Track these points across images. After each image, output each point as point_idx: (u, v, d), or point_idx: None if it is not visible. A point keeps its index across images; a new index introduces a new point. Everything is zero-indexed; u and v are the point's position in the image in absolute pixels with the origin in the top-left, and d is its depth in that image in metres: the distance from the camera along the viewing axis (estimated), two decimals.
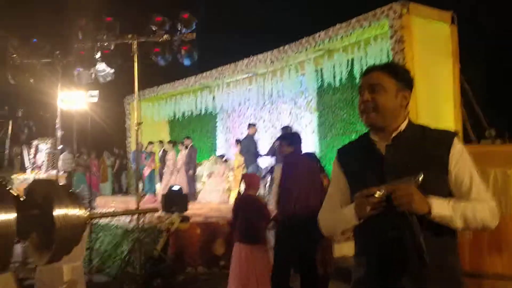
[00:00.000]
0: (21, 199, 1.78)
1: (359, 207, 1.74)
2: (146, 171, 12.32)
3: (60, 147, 7.78)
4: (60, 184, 1.81)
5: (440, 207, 1.69)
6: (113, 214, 1.81)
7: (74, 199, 1.75)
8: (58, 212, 1.66)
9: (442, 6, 8.42)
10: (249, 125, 11.19)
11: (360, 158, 1.92)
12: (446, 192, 1.79)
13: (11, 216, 1.61)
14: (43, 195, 1.76)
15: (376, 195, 1.69)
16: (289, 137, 4.77)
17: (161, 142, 13.59)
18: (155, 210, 2.21)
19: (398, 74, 1.88)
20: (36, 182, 1.87)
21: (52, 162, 11.88)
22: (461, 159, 1.80)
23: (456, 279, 1.79)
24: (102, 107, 12.78)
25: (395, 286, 1.74)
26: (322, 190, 4.60)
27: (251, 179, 5.45)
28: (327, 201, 2.05)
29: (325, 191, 4.95)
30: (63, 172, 11.49)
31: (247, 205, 5.09)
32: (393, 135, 1.85)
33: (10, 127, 5.38)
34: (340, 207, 1.93)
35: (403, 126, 1.86)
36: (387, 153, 1.83)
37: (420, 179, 1.67)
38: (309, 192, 4.45)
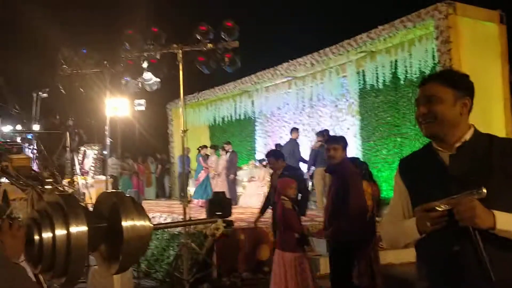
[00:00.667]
0: (90, 210, 1.86)
1: (420, 222, 1.71)
2: (202, 175, 12.33)
3: (106, 152, 8.02)
4: (127, 195, 1.86)
5: (505, 222, 1.62)
6: (176, 225, 1.86)
7: (140, 211, 1.80)
8: (126, 224, 1.72)
9: (490, 6, 8.16)
10: (293, 129, 11.16)
11: (423, 169, 1.86)
12: None
13: (83, 229, 1.68)
14: (110, 206, 1.82)
15: (438, 210, 1.65)
16: (341, 140, 4.57)
17: (205, 146, 13.79)
18: (213, 220, 2.24)
19: (454, 82, 1.82)
20: (104, 194, 1.94)
21: (99, 167, 12.27)
22: None
23: None
24: (145, 114, 13.11)
25: None
26: (360, 197, 4.55)
27: (283, 184, 5.31)
28: (389, 213, 2.01)
29: (369, 199, 4.91)
30: (110, 177, 11.84)
31: (276, 212, 5.10)
32: (457, 145, 1.79)
33: (68, 138, 5.61)
34: (402, 220, 1.89)
35: (468, 135, 1.81)
36: (451, 164, 1.78)
37: (484, 192, 1.62)
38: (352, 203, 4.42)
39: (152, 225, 1.85)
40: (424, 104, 1.83)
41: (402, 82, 9.98)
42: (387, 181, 10.40)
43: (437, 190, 1.73)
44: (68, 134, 5.66)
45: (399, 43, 9.42)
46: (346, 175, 4.43)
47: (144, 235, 1.80)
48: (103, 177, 11.87)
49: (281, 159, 5.91)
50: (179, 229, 6.93)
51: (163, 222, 7.28)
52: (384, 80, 10.10)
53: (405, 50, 9.35)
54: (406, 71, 9.49)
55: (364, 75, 10.74)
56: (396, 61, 9.77)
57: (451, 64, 7.54)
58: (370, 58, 10.29)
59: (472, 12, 7.90)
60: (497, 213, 1.63)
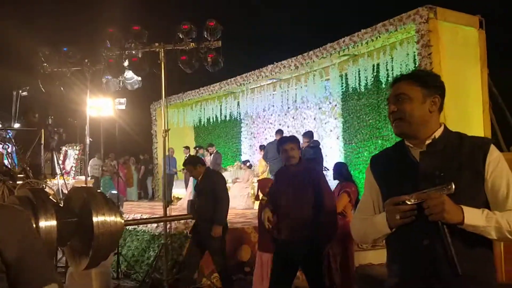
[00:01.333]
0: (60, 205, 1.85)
1: (390, 216, 1.74)
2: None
3: (88, 153, 7.94)
4: (98, 191, 1.85)
5: (473, 217, 1.66)
6: (147, 221, 1.85)
7: (112, 206, 1.79)
8: (96, 219, 1.71)
9: (470, 11, 8.31)
10: (278, 131, 11.19)
11: (394, 166, 1.89)
12: (481, 201, 1.75)
13: (52, 223, 1.66)
14: (81, 202, 1.81)
15: (407, 203, 1.68)
16: (296, 139, 4.40)
17: (186, 147, 13.73)
18: (188, 217, 2.24)
19: (423, 80, 1.86)
20: (74, 189, 1.93)
21: (81, 167, 12.13)
22: (497, 168, 1.75)
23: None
24: (128, 114, 13.03)
25: None
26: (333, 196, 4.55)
27: (262, 184, 5.42)
28: (360, 209, 2.04)
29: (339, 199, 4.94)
30: (91, 177, 11.72)
31: (259, 212, 5.16)
32: (428, 141, 1.82)
33: (42, 135, 5.53)
34: (372, 216, 1.91)
35: (438, 133, 1.84)
36: (421, 160, 1.80)
37: (453, 187, 1.65)
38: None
39: (123, 221, 1.84)
40: (394, 103, 1.87)
41: (383, 85, 10.09)
42: None
43: (407, 185, 1.76)
44: (43, 131, 5.58)
45: (381, 46, 9.53)
46: (320, 174, 4.38)
47: (115, 231, 1.79)
48: (82, 178, 11.74)
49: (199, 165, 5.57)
50: (159, 230, 6.89)
51: None
52: (366, 83, 10.20)
53: (387, 53, 9.46)
54: (388, 75, 9.60)
55: (346, 78, 10.83)
56: (378, 64, 9.88)
57: (432, 68, 7.65)
58: (353, 62, 10.38)
59: (453, 17, 8.03)
60: (465, 209, 1.66)
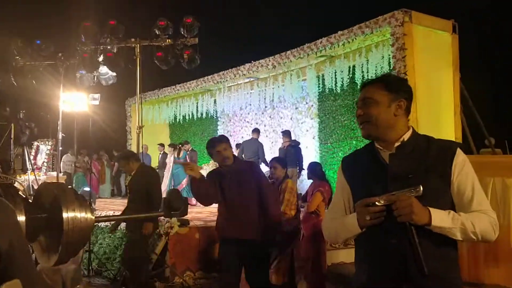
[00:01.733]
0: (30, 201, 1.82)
1: (360, 216, 1.77)
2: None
3: (60, 148, 7.80)
4: (69, 187, 1.82)
5: (439, 219, 1.71)
6: (119, 219, 1.83)
7: (82, 202, 1.77)
8: (66, 215, 1.69)
9: (444, 15, 8.48)
10: (254, 129, 11.20)
11: (365, 167, 1.94)
12: (448, 202, 1.80)
13: (21, 218, 1.64)
14: (51, 198, 1.78)
15: (377, 205, 1.72)
16: (227, 139, 4.26)
17: (161, 145, 13.61)
18: (159, 214, 2.23)
19: (390, 85, 1.90)
20: (44, 185, 1.90)
21: (52, 163, 11.89)
22: (463, 170, 1.81)
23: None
24: (103, 109, 12.83)
25: None
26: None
27: None
28: (330, 210, 2.08)
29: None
30: (63, 173, 11.51)
31: None
32: (397, 144, 1.87)
33: (12, 129, 5.39)
34: (343, 216, 1.95)
35: (406, 135, 1.88)
36: (390, 162, 1.85)
37: (421, 190, 1.70)
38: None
39: (94, 217, 1.82)
40: (361, 107, 1.92)
41: (359, 87, 10.16)
42: None
43: (377, 187, 1.80)
44: (13, 125, 5.45)
45: (357, 48, 9.64)
46: (261, 172, 4.34)
47: (85, 227, 1.77)
48: (54, 174, 11.52)
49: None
50: None
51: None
52: (342, 85, 10.32)
53: (362, 55, 9.58)
54: (363, 76, 9.72)
55: (323, 79, 10.94)
56: (354, 66, 10.00)
57: (406, 71, 7.79)
58: (329, 63, 10.48)
59: (427, 21, 8.18)
60: (433, 210, 1.71)
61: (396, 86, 1.91)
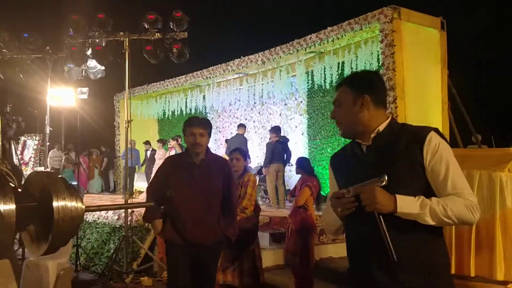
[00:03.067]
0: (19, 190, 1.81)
1: (334, 208, 1.87)
2: None
3: (48, 144, 7.73)
4: (59, 176, 1.82)
5: (406, 205, 1.73)
6: (108, 208, 1.82)
7: (73, 191, 1.76)
8: (57, 204, 1.68)
9: (433, 12, 8.55)
10: (240, 125, 11.21)
11: (347, 161, 2.02)
12: (422, 188, 1.80)
13: (11, 207, 1.63)
14: (40, 187, 1.78)
15: (346, 196, 1.81)
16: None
17: (147, 143, 13.57)
18: (149, 204, 2.23)
19: (352, 83, 1.96)
20: (34, 174, 1.89)
21: (40, 158, 11.79)
22: (437, 154, 1.80)
23: (436, 275, 1.79)
24: (91, 104, 12.71)
25: (374, 281, 1.81)
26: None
27: None
28: (326, 203, 2.16)
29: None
30: (50, 169, 11.41)
31: None
32: (373, 135, 1.91)
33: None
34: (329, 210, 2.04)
35: (382, 126, 1.92)
36: (365, 153, 1.92)
37: (385, 179, 1.74)
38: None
39: (84, 206, 1.82)
40: (333, 110, 2.01)
41: None
42: None
43: (353, 179, 1.86)
44: (0, 119, 5.38)
45: (346, 45, 9.68)
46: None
47: (76, 216, 1.77)
48: (41, 169, 11.42)
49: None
50: (120, 222, 6.80)
51: (103, 215, 7.12)
52: (331, 81, 10.35)
53: (351, 52, 9.62)
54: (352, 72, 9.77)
55: (312, 75, 10.96)
56: (343, 62, 10.04)
57: (395, 67, 7.85)
58: (319, 59, 10.51)
59: (416, 17, 8.24)
60: (399, 198, 1.74)
61: (356, 84, 1.96)
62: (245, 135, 11.08)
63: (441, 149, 1.81)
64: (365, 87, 1.93)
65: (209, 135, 3.58)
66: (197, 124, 3.52)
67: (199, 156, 3.54)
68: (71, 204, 1.73)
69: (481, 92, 14.07)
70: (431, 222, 1.73)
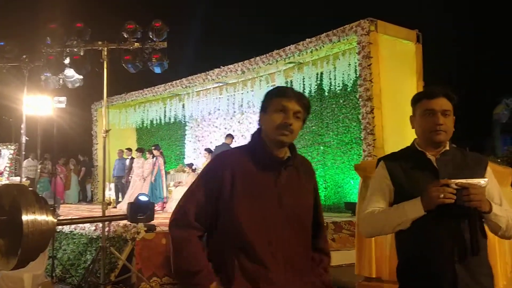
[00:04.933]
0: None
1: (434, 194, 1.88)
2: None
3: (23, 153, 7.60)
4: (29, 189, 1.79)
5: (496, 208, 1.95)
6: (82, 221, 1.80)
7: (43, 205, 1.74)
8: (26, 217, 1.66)
9: (408, 25, 8.73)
10: (228, 135, 11.17)
11: (412, 167, 2.09)
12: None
13: None
14: (11, 200, 1.75)
15: (452, 187, 1.86)
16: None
17: (129, 149, 13.42)
18: (124, 217, 2.22)
19: (450, 97, 2.10)
20: (4, 186, 1.86)
21: (15, 168, 11.56)
22: (491, 178, 2.07)
23: (493, 277, 2.03)
24: (68, 113, 12.56)
25: (455, 279, 1.92)
26: None
27: None
28: (368, 206, 2.14)
29: None
30: (26, 179, 11.18)
31: None
32: (442, 151, 2.08)
33: None
34: (396, 205, 2.05)
35: (447, 145, 2.10)
36: (439, 164, 2.05)
37: (486, 183, 1.91)
38: None
39: (55, 220, 1.80)
40: (441, 116, 2.10)
41: (326, 93, 10.39)
42: None
43: (423, 184, 1.95)
44: None
45: (325, 56, 9.82)
46: (314, 172, 3.17)
47: (46, 230, 1.75)
48: (17, 179, 11.19)
49: None
50: (97, 233, 6.70)
51: (80, 225, 7.01)
52: (310, 91, 10.46)
53: (330, 63, 9.76)
54: (331, 83, 9.90)
55: (292, 85, 11.04)
56: (321, 73, 10.17)
57: (371, 78, 7.98)
58: (298, 69, 10.63)
59: (392, 30, 8.42)
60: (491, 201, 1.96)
61: (454, 99, 2.12)
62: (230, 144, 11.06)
63: (494, 177, 2.11)
64: (455, 104, 2.11)
65: (304, 122, 2.07)
66: (295, 98, 1.99)
67: (283, 151, 2.03)
68: (41, 218, 1.72)
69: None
70: (503, 225, 1.96)
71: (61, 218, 6.96)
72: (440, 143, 2.08)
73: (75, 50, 5.80)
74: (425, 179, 2.00)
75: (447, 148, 2.09)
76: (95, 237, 6.75)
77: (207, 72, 12.51)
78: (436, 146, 2.08)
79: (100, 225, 6.52)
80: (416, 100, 2.14)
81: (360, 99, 8.28)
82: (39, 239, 1.70)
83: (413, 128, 2.17)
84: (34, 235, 1.68)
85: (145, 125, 15.77)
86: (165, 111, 14.76)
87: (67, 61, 5.90)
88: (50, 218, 1.74)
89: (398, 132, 8.15)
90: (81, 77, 6.37)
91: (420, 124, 2.09)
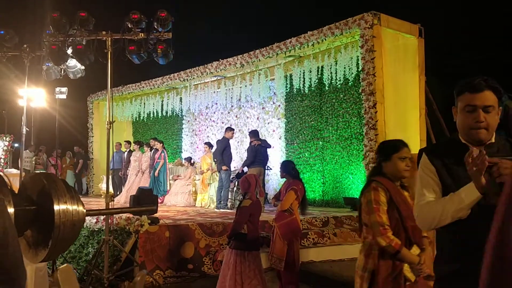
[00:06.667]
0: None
1: (471, 173, 1.85)
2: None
3: (16, 144, 7.48)
4: (58, 178, 1.72)
5: None
6: (110, 212, 1.77)
7: (73, 194, 1.68)
8: (58, 207, 1.59)
9: (411, 19, 8.71)
10: (227, 128, 11.05)
11: (455, 162, 2.01)
12: None
13: (10, 210, 1.53)
14: (39, 189, 1.68)
15: (476, 152, 1.84)
16: None
17: (128, 142, 13.30)
18: (150, 209, 2.16)
19: (494, 88, 1.99)
20: (31, 175, 1.79)
21: (11, 160, 11.42)
22: None
23: None
24: (65, 106, 12.42)
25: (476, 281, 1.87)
26: None
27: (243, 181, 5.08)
28: (421, 197, 2.08)
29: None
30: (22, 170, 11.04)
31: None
32: (486, 143, 2.01)
33: None
34: (451, 194, 1.97)
35: (492, 138, 2.03)
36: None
37: None
38: None
39: (85, 210, 1.73)
40: (482, 112, 2.01)
41: (326, 88, 10.35)
42: (308, 182, 10.71)
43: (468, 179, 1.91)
44: None
45: (326, 49, 9.75)
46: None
47: (77, 220, 1.68)
48: (13, 171, 11.06)
49: None
50: (99, 225, 6.63)
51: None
52: (310, 85, 10.40)
53: (331, 56, 9.70)
54: (331, 77, 9.85)
55: (291, 79, 11.01)
56: (322, 67, 10.11)
57: (374, 72, 7.94)
58: (298, 63, 10.56)
59: (395, 24, 8.37)
60: None
61: (499, 91, 2.02)
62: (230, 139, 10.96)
63: None
64: (500, 95, 2.01)
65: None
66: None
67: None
68: (73, 207, 1.65)
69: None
70: None
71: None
72: (481, 141, 2.02)
73: (78, 39, 5.68)
74: (467, 174, 1.94)
75: (492, 140, 2.02)
76: (96, 229, 6.68)
77: (206, 65, 12.41)
78: (478, 144, 2.01)
79: (102, 217, 6.44)
80: (458, 92, 2.06)
81: (362, 94, 8.24)
82: (70, 230, 1.63)
83: (455, 120, 2.09)
84: (66, 226, 1.61)
85: (141, 118, 15.65)
86: (162, 105, 14.64)
87: (69, 51, 5.78)
88: (80, 208, 1.67)
89: (400, 126, 8.14)
90: (83, 67, 6.26)
91: (461, 119, 2.03)
